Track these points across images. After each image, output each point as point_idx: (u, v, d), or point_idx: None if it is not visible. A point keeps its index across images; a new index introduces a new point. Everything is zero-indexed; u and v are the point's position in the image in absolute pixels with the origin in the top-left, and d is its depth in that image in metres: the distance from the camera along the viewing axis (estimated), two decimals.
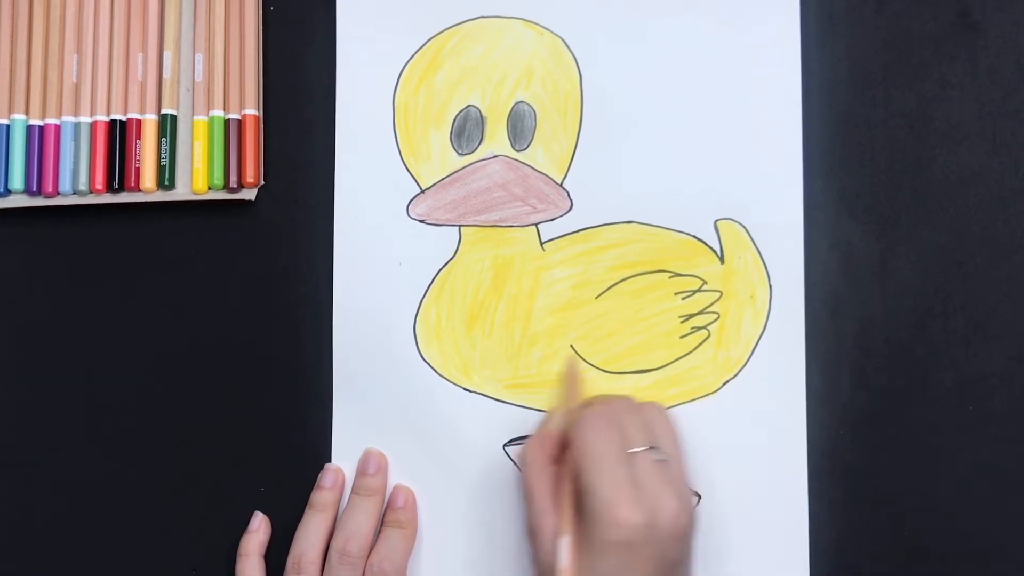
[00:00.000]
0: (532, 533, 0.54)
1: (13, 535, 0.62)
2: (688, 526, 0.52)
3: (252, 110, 0.62)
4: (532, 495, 0.54)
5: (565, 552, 0.51)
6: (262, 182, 0.62)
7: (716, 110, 0.60)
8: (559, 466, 0.54)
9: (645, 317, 0.59)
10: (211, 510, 0.61)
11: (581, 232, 0.60)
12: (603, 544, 0.50)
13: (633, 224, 0.60)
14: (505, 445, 0.59)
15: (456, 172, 0.61)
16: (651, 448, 0.52)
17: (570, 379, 0.59)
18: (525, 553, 0.58)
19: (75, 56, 0.63)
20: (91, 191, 0.62)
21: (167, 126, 0.62)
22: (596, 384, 0.59)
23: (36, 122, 0.62)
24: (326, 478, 0.60)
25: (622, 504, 0.50)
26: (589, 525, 0.50)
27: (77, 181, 0.62)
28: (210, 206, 0.62)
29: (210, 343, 0.62)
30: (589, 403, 0.56)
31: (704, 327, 0.59)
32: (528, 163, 0.61)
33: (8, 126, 0.62)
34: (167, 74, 0.62)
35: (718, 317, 0.59)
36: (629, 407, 0.55)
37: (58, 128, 0.62)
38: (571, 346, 0.60)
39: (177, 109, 0.62)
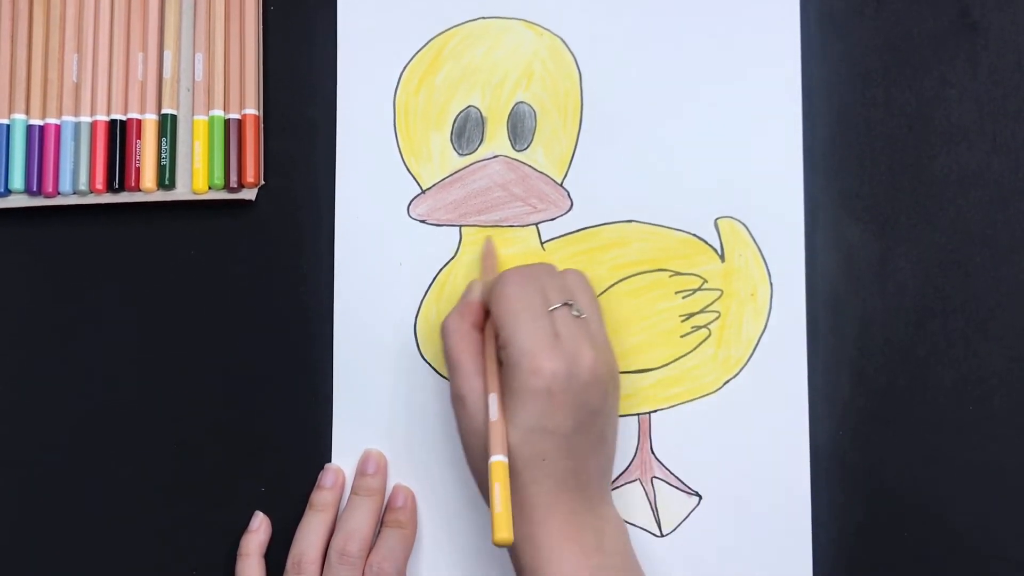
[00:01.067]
0: (458, 399, 0.54)
1: (13, 535, 0.61)
2: (606, 375, 0.53)
3: (252, 110, 0.62)
4: (458, 362, 0.54)
5: (495, 407, 0.52)
6: (262, 182, 0.62)
7: (716, 109, 0.60)
8: (481, 333, 0.55)
9: (646, 316, 0.59)
10: (211, 510, 0.61)
11: (581, 232, 0.60)
12: (524, 392, 0.51)
13: (633, 223, 0.60)
14: None
15: (456, 172, 0.61)
16: (568, 305, 0.53)
17: (488, 255, 0.60)
18: None
19: (75, 56, 0.63)
20: (91, 191, 0.62)
21: (167, 126, 0.62)
22: None
23: (36, 122, 0.62)
24: (326, 478, 0.60)
25: (542, 353, 0.51)
26: (511, 376, 0.52)
27: (77, 181, 0.62)
28: (210, 206, 0.62)
29: (210, 343, 0.62)
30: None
31: (705, 326, 0.59)
32: (528, 163, 0.61)
33: (8, 126, 0.62)
34: (167, 74, 0.62)
35: (719, 316, 0.59)
36: (547, 270, 0.56)
37: (58, 128, 0.62)
38: None
39: (177, 109, 0.62)
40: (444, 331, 0.55)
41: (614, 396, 0.54)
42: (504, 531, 0.49)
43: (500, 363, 0.53)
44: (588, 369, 0.52)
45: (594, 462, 0.53)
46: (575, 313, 0.53)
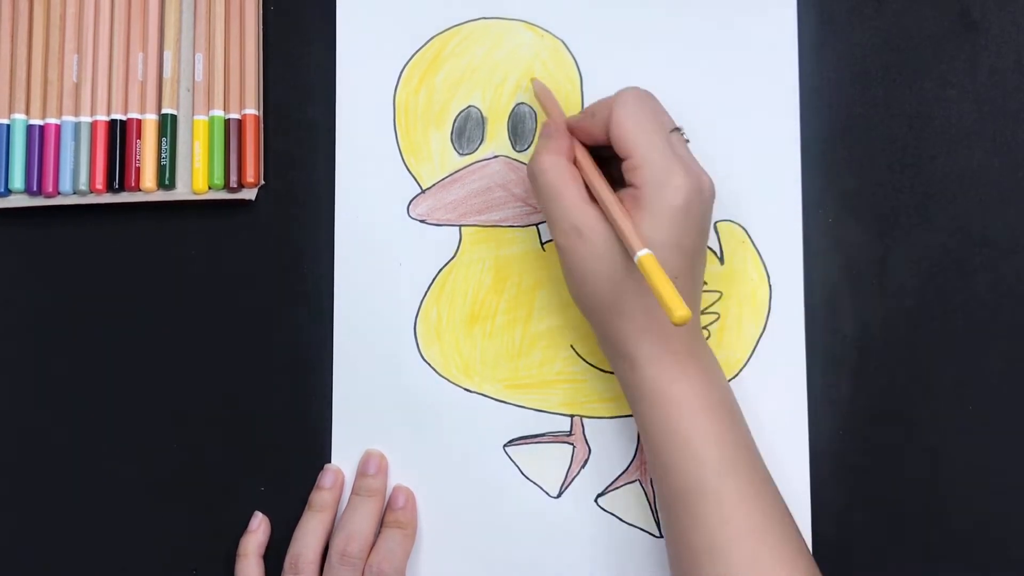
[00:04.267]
0: (573, 231, 0.52)
1: (13, 535, 0.62)
2: (713, 198, 0.54)
3: (252, 110, 0.62)
4: (564, 193, 0.52)
5: (625, 221, 0.51)
6: (262, 182, 0.62)
7: (715, 111, 0.60)
8: (574, 166, 0.54)
9: None
10: (211, 510, 0.61)
11: None
12: (663, 210, 0.51)
13: None
14: (505, 445, 0.59)
15: (456, 172, 0.61)
16: (677, 129, 0.54)
17: (543, 92, 0.59)
18: (526, 554, 0.58)
19: (75, 56, 0.63)
20: (91, 191, 0.62)
21: (167, 126, 0.62)
22: (598, 384, 0.59)
23: (36, 122, 0.62)
24: (325, 478, 0.60)
25: (676, 170, 0.51)
26: (646, 196, 0.51)
27: (77, 181, 0.62)
28: (210, 206, 0.62)
29: (210, 343, 0.62)
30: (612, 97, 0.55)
31: (705, 327, 0.59)
32: None
33: (8, 126, 0.62)
34: (167, 74, 0.62)
35: (718, 317, 0.59)
36: (650, 94, 0.55)
37: (58, 128, 0.62)
38: (571, 346, 0.60)
39: (177, 109, 0.62)
40: (538, 169, 0.53)
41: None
42: (680, 308, 0.47)
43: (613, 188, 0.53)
44: (709, 188, 0.53)
45: (701, 284, 0.54)
46: (685, 138, 0.54)
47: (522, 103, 0.61)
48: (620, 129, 0.52)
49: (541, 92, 0.59)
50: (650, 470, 0.53)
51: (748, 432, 0.53)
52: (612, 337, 0.53)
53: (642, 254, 0.49)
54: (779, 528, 0.50)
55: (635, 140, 0.52)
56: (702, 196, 0.52)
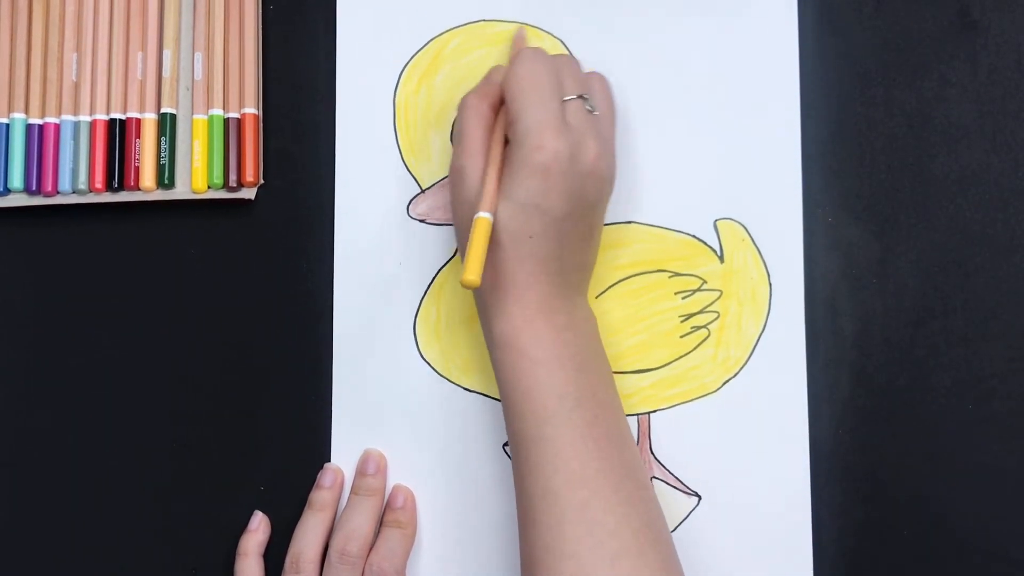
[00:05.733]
0: (458, 171, 0.54)
1: (13, 535, 0.61)
2: (606, 173, 0.54)
3: (252, 109, 0.62)
4: (466, 135, 0.55)
5: (492, 175, 0.53)
6: (262, 181, 0.62)
7: (715, 110, 0.60)
8: (495, 114, 0.56)
9: (645, 317, 0.59)
10: (211, 510, 0.61)
11: None
12: (524, 167, 0.52)
13: (633, 224, 0.60)
14: (505, 445, 0.59)
15: None
16: (583, 98, 0.54)
17: (519, 40, 0.60)
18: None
19: (75, 55, 0.63)
20: (91, 190, 0.62)
21: (167, 125, 0.62)
22: None
23: (36, 121, 0.62)
24: (325, 478, 0.60)
25: (548, 131, 0.52)
26: (513, 151, 0.53)
27: (77, 180, 0.62)
28: (210, 205, 0.62)
29: (210, 343, 0.62)
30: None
31: (704, 326, 0.59)
32: None
33: (8, 125, 0.62)
34: (167, 73, 0.62)
35: (718, 316, 0.59)
36: (569, 61, 0.57)
37: (58, 127, 0.62)
38: None
39: (177, 108, 0.62)
40: (461, 105, 0.56)
41: (608, 199, 0.55)
42: (473, 273, 0.50)
43: (506, 143, 0.54)
44: (591, 160, 0.53)
45: (579, 254, 0.55)
46: (588, 108, 0.54)
47: None
48: (506, 85, 0.54)
49: (517, 40, 0.61)
50: (505, 419, 0.54)
51: (601, 389, 0.53)
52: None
53: (477, 215, 0.51)
54: (617, 481, 0.51)
55: (514, 96, 0.53)
56: (574, 161, 0.52)
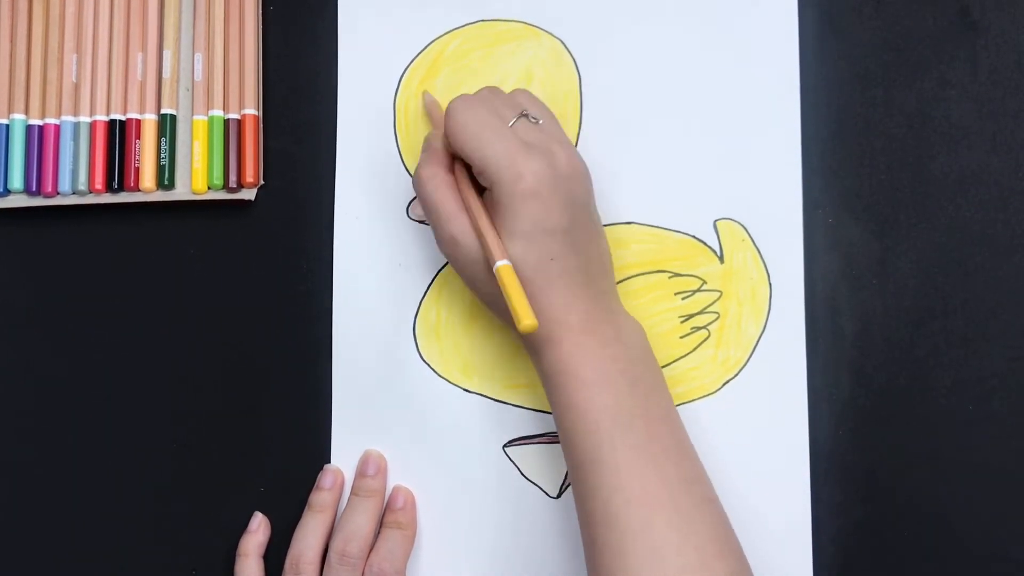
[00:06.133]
0: (450, 241, 0.54)
1: (13, 535, 0.62)
2: (583, 168, 0.55)
3: (252, 110, 0.62)
4: (440, 205, 0.54)
5: (485, 221, 0.53)
6: (262, 182, 0.62)
7: (715, 110, 0.60)
8: (453, 175, 0.55)
9: (645, 317, 0.59)
10: (211, 510, 0.61)
11: None
12: (514, 201, 0.52)
13: (632, 225, 0.60)
14: (505, 445, 0.59)
15: None
16: (524, 115, 0.54)
17: (431, 106, 0.61)
18: (526, 554, 0.58)
19: (75, 56, 0.63)
20: (91, 191, 0.62)
21: (167, 126, 0.62)
22: None
23: (36, 122, 0.62)
24: (325, 479, 0.60)
25: (518, 159, 0.52)
26: (497, 193, 0.52)
27: (77, 181, 0.62)
28: (210, 206, 0.62)
29: (210, 343, 0.62)
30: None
31: (704, 327, 0.59)
32: None
33: (8, 126, 0.62)
34: (167, 74, 0.62)
35: (718, 317, 0.59)
36: (492, 91, 0.57)
37: (58, 128, 0.62)
38: None
39: (177, 109, 0.62)
40: (418, 181, 0.55)
41: (593, 193, 0.56)
42: (528, 317, 0.49)
43: (480, 193, 0.54)
44: (565, 164, 0.53)
45: (596, 255, 0.54)
46: (533, 120, 0.54)
47: None
48: (454, 141, 0.54)
49: (429, 105, 0.61)
50: (562, 445, 0.54)
51: (654, 402, 0.53)
52: (514, 328, 0.54)
53: (498, 266, 0.51)
54: (678, 497, 0.50)
55: (469, 146, 0.53)
56: (555, 173, 0.52)
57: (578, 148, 0.60)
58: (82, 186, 0.62)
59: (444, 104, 0.58)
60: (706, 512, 0.51)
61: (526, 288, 0.51)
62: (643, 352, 0.54)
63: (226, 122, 0.62)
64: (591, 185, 0.55)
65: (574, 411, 0.52)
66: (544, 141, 0.53)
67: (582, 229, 0.53)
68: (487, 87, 0.57)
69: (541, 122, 0.55)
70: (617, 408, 0.51)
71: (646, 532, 0.49)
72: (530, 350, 0.54)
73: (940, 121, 0.59)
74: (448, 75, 0.62)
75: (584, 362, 0.52)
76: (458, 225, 0.54)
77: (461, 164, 0.55)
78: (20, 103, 0.62)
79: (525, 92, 0.57)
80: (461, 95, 0.55)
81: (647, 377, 0.53)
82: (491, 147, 0.52)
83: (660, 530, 0.49)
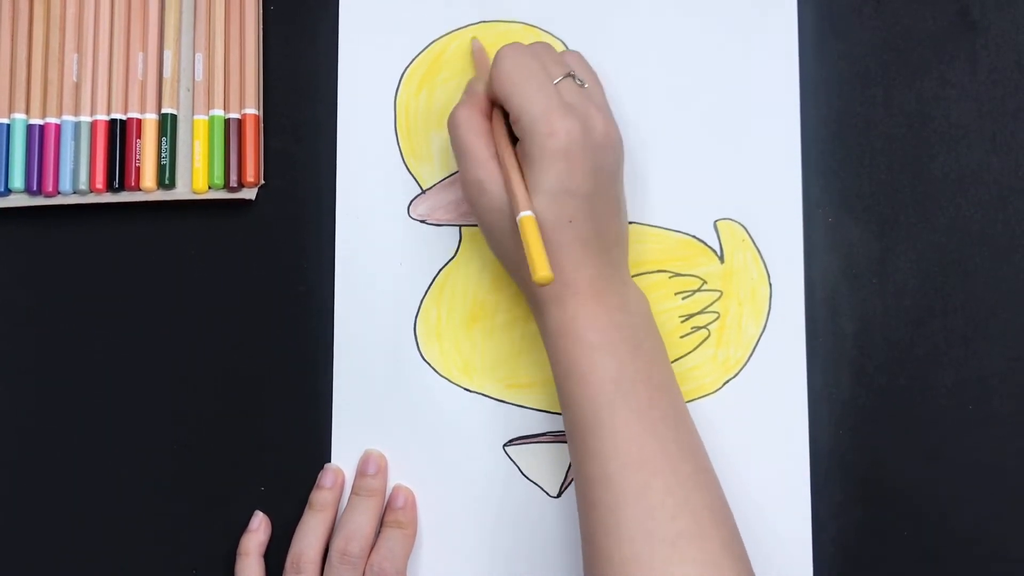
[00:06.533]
0: (476, 184, 0.54)
1: (13, 535, 0.62)
2: (617, 139, 0.55)
3: (252, 109, 0.62)
4: (471, 148, 0.55)
5: (516, 173, 0.52)
6: (262, 181, 0.62)
7: (715, 110, 0.60)
8: (489, 121, 0.56)
9: None
10: (211, 510, 0.61)
11: None
12: (544, 156, 0.52)
13: (633, 224, 0.60)
14: (505, 445, 0.59)
15: (457, 173, 0.61)
16: (570, 75, 0.55)
17: (478, 53, 0.61)
18: (526, 554, 0.58)
19: (75, 55, 0.63)
20: (91, 190, 0.62)
21: (167, 125, 0.62)
22: None
23: (36, 121, 0.62)
24: (325, 478, 0.60)
25: (555, 115, 0.52)
26: (528, 145, 0.52)
27: (77, 180, 0.62)
28: (210, 205, 0.62)
29: (210, 343, 0.62)
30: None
31: (704, 327, 0.59)
32: None
33: (8, 125, 0.62)
34: (167, 73, 0.62)
35: (718, 317, 0.59)
36: (545, 47, 0.57)
37: (58, 127, 0.62)
38: None
39: (177, 108, 0.62)
40: (453, 123, 0.56)
41: (623, 166, 0.56)
42: (544, 269, 0.49)
43: (513, 143, 0.54)
44: (601, 131, 0.53)
45: (614, 226, 0.55)
46: (578, 83, 0.55)
47: None
48: (497, 87, 0.54)
49: (477, 51, 0.61)
50: (561, 406, 0.54)
51: (656, 370, 0.53)
52: (521, 283, 0.55)
53: (521, 216, 0.51)
54: (676, 463, 0.51)
55: (510, 93, 0.53)
56: (588, 137, 0.52)
57: None
58: (83, 186, 0.62)
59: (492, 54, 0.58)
60: (703, 481, 0.51)
61: None
62: (646, 321, 0.55)
63: (227, 122, 0.62)
64: (622, 159, 0.56)
65: (576, 374, 0.52)
66: (584, 104, 0.54)
67: (604, 198, 0.54)
68: (540, 42, 0.57)
69: (587, 86, 0.55)
70: (619, 373, 0.51)
71: (643, 494, 0.50)
72: (536, 308, 0.55)
73: (940, 121, 0.60)
74: (448, 75, 0.62)
75: (589, 325, 0.52)
76: (487, 171, 0.54)
77: (499, 112, 0.55)
78: (21, 103, 0.62)
79: (576, 54, 0.58)
80: (513, 43, 0.55)
81: (649, 346, 0.54)
82: (531, 99, 0.52)
83: (657, 494, 0.50)
